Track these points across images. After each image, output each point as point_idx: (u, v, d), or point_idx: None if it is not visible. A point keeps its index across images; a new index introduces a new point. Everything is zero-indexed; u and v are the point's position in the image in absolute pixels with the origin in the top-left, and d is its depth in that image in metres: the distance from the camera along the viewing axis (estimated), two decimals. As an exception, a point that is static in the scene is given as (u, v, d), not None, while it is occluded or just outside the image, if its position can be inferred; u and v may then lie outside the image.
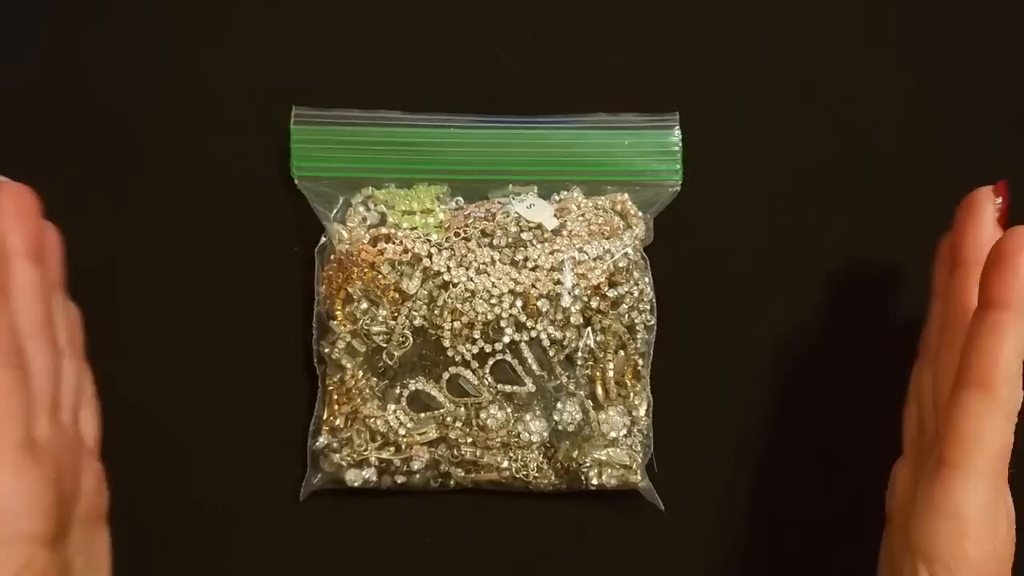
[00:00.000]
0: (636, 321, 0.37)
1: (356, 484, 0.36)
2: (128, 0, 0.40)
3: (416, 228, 0.37)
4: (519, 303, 0.36)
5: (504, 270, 0.36)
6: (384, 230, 0.37)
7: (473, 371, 0.36)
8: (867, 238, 0.40)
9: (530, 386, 0.36)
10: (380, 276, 0.36)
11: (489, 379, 0.36)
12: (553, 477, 0.36)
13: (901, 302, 0.39)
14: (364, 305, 0.36)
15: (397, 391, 0.36)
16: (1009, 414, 0.28)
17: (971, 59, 0.41)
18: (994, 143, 0.40)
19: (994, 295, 0.29)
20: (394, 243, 0.36)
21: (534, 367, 0.36)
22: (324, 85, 0.40)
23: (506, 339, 0.36)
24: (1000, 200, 0.32)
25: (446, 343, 0.36)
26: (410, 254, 0.36)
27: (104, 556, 0.34)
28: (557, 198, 0.38)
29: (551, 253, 0.36)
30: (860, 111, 0.40)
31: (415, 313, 0.36)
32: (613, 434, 0.36)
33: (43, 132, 0.39)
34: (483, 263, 0.36)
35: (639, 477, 0.36)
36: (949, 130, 0.40)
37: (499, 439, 0.36)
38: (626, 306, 0.36)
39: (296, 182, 0.38)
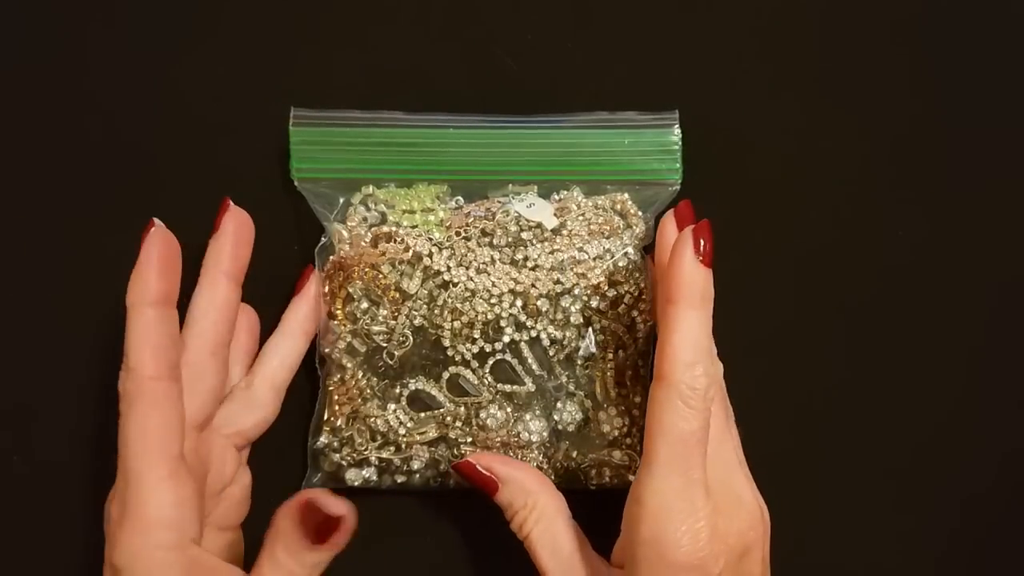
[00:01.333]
0: (636, 321, 0.37)
1: (356, 483, 0.36)
2: (128, 0, 0.40)
3: (417, 226, 0.37)
4: (519, 303, 0.36)
5: (504, 270, 0.36)
6: (385, 228, 0.37)
7: (473, 371, 0.36)
8: (868, 238, 0.39)
9: (530, 386, 0.36)
10: (381, 276, 0.36)
11: (489, 379, 0.36)
12: (552, 477, 0.36)
13: (902, 302, 0.39)
14: (365, 305, 0.36)
15: (397, 391, 0.36)
16: (688, 399, 0.29)
17: (972, 59, 0.40)
18: (995, 143, 0.40)
19: (664, 291, 0.31)
20: (395, 241, 0.36)
21: (534, 367, 0.36)
22: (323, 86, 0.40)
23: (506, 339, 0.36)
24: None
25: (446, 343, 0.36)
26: (411, 252, 0.36)
27: (239, 559, 0.36)
28: (557, 197, 0.38)
29: (551, 253, 0.36)
30: (861, 111, 0.40)
31: (415, 313, 0.36)
32: (613, 434, 0.36)
33: (43, 132, 0.40)
34: (483, 263, 0.36)
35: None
36: (950, 130, 0.40)
37: (499, 439, 0.36)
38: (626, 306, 0.36)
39: (296, 183, 0.38)
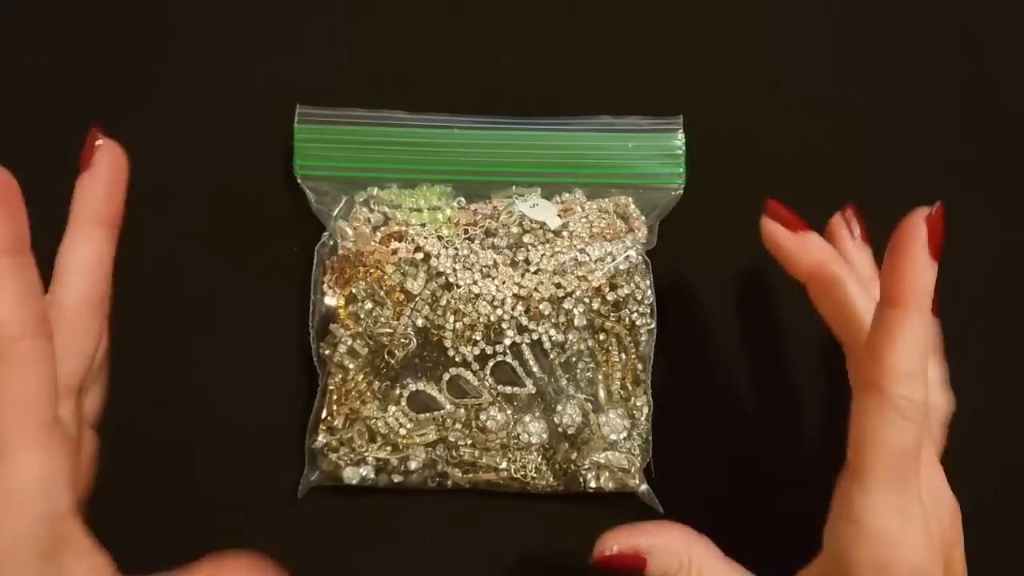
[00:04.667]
0: (637, 324, 0.37)
1: (354, 482, 0.36)
2: (132, -3, 0.40)
3: (425, 225, 0.37)
4: (520, 307, 0.36)
5: (507, 273, 0.36)
6: (396, 227, 0.37)
7: (474, 372, 0.36)
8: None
9: (530, 388, 0.36)
10: (386, 276, 0.36)
11: (489, 380, 0.36)
12: (551, 479, 0.36)
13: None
14: (368, 305, 0.36)
15: (397, 392, 0.36)
16: (906, 412, 0.27)
17: (972, 60, 0.41)
18: (995, 143, 0.40)
19: (886, 291, 0.28)
20: (407, 241, 0.36)
21: (535, 369, 0.36)
22: (327, 84, 0.40)
23: (507, 341, 0.36)
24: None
25: (447, 344, 0.36)
26: (422, 252, 0.36)
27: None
28: (560, 200, 0.38)
29: (552, 255, 0.36)
30: (863, 115, 0.40)
31: (417, 313, 0.36)
32: (613, 437, 0.36)
33: (44, 132, 0.39)
34: (486, 265, 0.36)
35: (637, 481, 0.36)
36: (951, 131, 0.40)
37: (498, 440, 0.36)
38: (627, 309, 0.36)
39: (299, 181, 0.38)
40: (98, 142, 0.30)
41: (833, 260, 0.32)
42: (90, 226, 0.30)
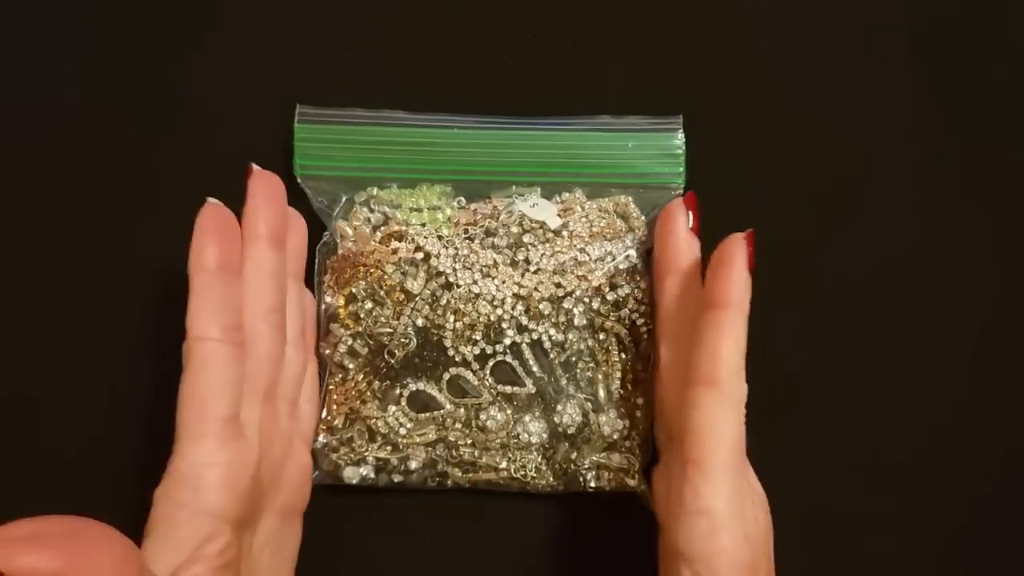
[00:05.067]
0: (637, 324, 0.37)
1: (354, 482, 0.36)
2: (132, -4, 0.40)
3: (425, 225, 0.37)
4: (520, 306, 0.36)
5: (507, 272, 0.36)
6: (396, 227, 0.37)
7: (474, 372, 0.36)
8: (869, 241, 0.39)
9: (530, 387, 0.36)
10: (386, 276, 0.36)
11: (489, 380, 0.36)
12: (551, 478, 0.36)
13: (902, 301, 0.39)
14: (368, 305, 0.36)
15: (397, 392, 0.36)
16: (737, 405, 0.30)
17: (973, 59, 0.41)
18: (995, 143, 0.40)
19: (715, 295, 0.31)
20: (407, 240, 0.36)
21: (535, 368, 0.36)
22: (327, 84, 0.40)
23: (507, 340, 0.36)
24: (691, 212, 0.35)
25: (447, 343, 0.36)
26: (422, 252, 0.36)
27: (293, 551, 0.35)
28: (560, 199, 0.38)
29: (552, 255, 0.36)
30: (864, 114, 0.40)
31: (417, 313, 0.36)
32: (613, 436, 0.36)
33: (45, 131, 0.39)
34: (486, 264, 0.36)
35: (637, 481, 0.36)
36: (950, 130, 0.40)
37: (498, 440, 0.36)
38: (627, 308, 0.36)
39: (299, 180, 0.38)
40: (252, 171, 0.34)
41: (697, 274, 0.35)
42: (254, 241, 0.33)
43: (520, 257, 0.36)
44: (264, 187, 0.33)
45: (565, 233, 0.37)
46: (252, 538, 0.31)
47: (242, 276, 0.32)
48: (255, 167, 0.34)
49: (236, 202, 0.39)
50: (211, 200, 0.31)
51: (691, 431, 0.30)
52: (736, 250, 0.31)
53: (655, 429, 0.36)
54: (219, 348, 0.30)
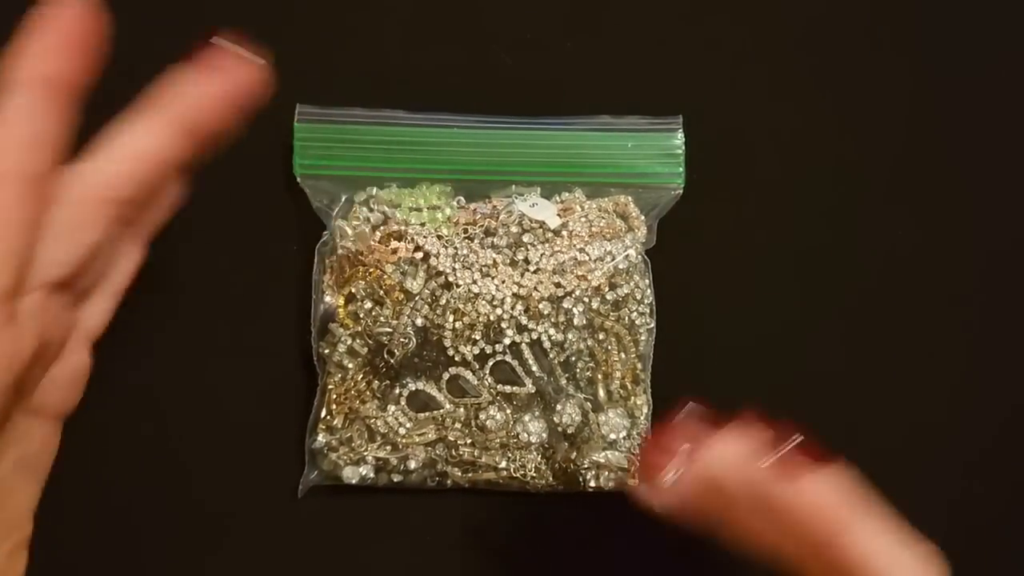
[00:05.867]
0: (636, 323, 0.37)
1: (353, 482, 0.36)
2: (132, -4, 0.40)
3: (425, 224, 0.37)
4: (520, 306, 0.36)
5: (507, 272, 0.36)
6: (395, 227, 0.37)
7: (473, 372, 0.36)
8: (870, 240, 0.39)
9: (530, 387, 0.36)
10: (385, 275, 0.36)
11: (489, 380, 0.36)
12: (551, 478, 0.36)
13: (902, 301, 0.39)
14: (368, 305, 0.36)
15: (397, 392, 0.36)
16: None
17: (973, 59, 0.41)
18: (995, 143, 0.40)
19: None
20: (406, 240, 0.36)
21: (534, 368, 0.36)
22: (327, 84, 0.40)
23: (507, 340, 0.36)
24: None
25: (447, 343, 0.36)
26: (421, 251, 0.36)
27: (44, 464, 0.28)
28: (559, 199, 0.38)
29: (552, 255, 0.36)
30: (863, 114, 0.40)
31: (417, 312, 0.36)
32: (612, 436, 0.36)
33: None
34: (485, 264, 0.36)
35: (636, 480, 0.36)
36: (949, 131, 0.40)
37: (498, 440, 0.36)
38: (627, 308, 0.36)
39: (298, 180, 0.38)
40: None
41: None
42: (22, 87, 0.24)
43: (520, 257, 0.36)
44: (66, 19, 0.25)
45: (565, 233, 0.37)
46: None
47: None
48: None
49: (236, 203, 0.39)
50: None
51: None
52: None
53: None
54: (22, 205, 0.23)
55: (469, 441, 0.36)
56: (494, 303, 0.36)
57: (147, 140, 0.26)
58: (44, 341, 0.25)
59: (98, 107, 0.26)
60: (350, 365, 0.36)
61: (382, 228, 0.37)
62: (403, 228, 0.37)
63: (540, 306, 0.36)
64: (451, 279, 0.36)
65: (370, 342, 0.36)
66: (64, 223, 0.25)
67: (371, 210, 0.37)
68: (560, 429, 0.36)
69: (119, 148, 0.25)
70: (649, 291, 0.37)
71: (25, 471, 0.28)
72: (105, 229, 0.25)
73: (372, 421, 0.36)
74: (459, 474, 0.36)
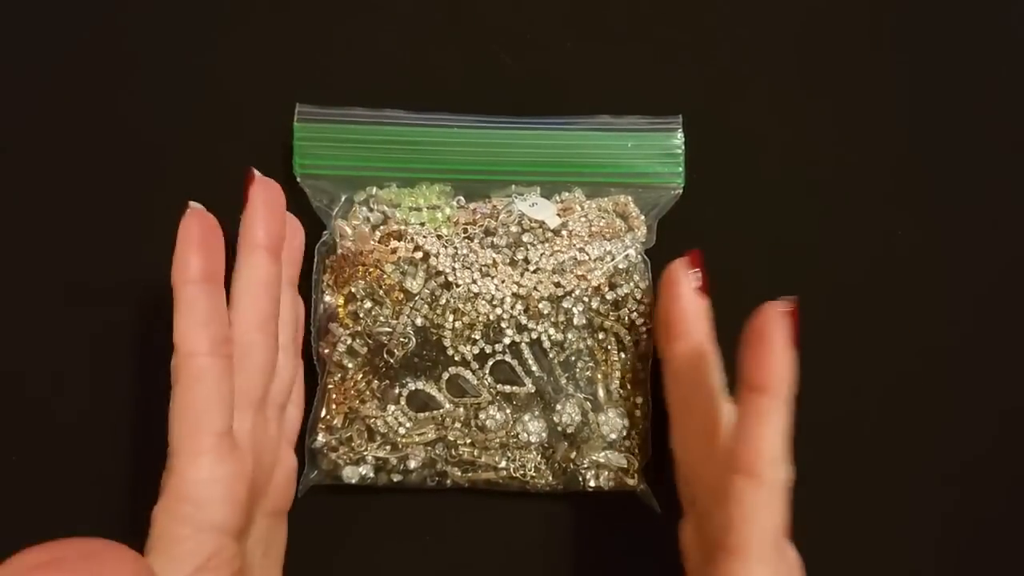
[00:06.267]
0: (636, 323, 0.37)
1: (353, 481, 0.36)
2: (132, -4, 0.40)
3: (425, 224, 0.37)
4: (520, 306, 0.36)
5: (507, 271, 0.36)
6: (395, 227, 0.37)
7: (473, 371, 0.36)
8: (869, 240, 0.39)
9: (530, 387, 0.36)
10: (385, 276, 0.36)
11: (489, 379, 0.36)
12: (551, 478, 0.36)
13: (904, 304, 0.39)
14: (368, 304, 0.36)
15: (396, 391, 0.36)
16: (778, 494, 0.28)
17: (972, 59, 0.41)
18: (995, 143, 0.40)
19: (752, 376, 0.28)
20: (406, 240, 0.36)
21: (534, 368, 0.36)
22: (327, 84, 0.40)
23: (507, 340, 0.36)
24: (697, 270, 0.34)
25: (447, 343, 0.36)
26: (421, 251, 0.36)
27: (281, 550, 0.35)
28: (559, 199, 0.38)
29: (552, 254, 0.36)
30: (863, 113, 0.40)
31: (416, 312, 0.36)
32: (612, 436, 0.36)
33: (46, 130, 0.40)
34: (485, 264, 0.36)
35: (636, 480, 0.36)
36: (950, 131, 0.40)
37: (498, 440, 0.36)
38: (626, 308, 0.36)
39: (298, 179, 0.38)
40: (254, 178, 0.33)
41: (709, 338, 0.33)
42: (252, 250, 0.33)
43: (519, 256, 0.36)
44: (264, 195, 0.33)
45: (564, 232, 0.37)
46: (246, 542, 0.32)
47: (238, 285, 0.32)
48: (256, 173, 0.33)
49: (235, 203, 0.39)
50: (194, 205, 0.31)
51: (729, 520, 0.28)
52: (774, 327, 0.29)
53: (677, 483, 0.34)
54: (210, 363, 0.29)
55: (469, 441, 0.36)
56: (494, 303, 0.36)
57: (248, 271, 0.33)
58: (258, 455, 0.32)
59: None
60: (350, 365, 0.36)
61: (382, 228, 0.37)
62: (403, 228, 0.37)
63: (540, 306, 0.36)
64: (451, 279, 0.36)
65: (370, 342, 0.36)
66: (242, 358, 0.31)
67: (371, 210, 0.37)
68: (560, 429, 0.36)
69: (243, 281, 0.33)
70: (649, 291, 0.37)
71: (270, 557, 0.34)
72: (271, 347, 0.32)
73: (372, 421, 0.36)
74: (459, 474, 0.36)
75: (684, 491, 0.34)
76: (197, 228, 0.31)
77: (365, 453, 0.36)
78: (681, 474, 0.34)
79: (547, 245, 0.37)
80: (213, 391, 0.29)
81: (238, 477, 0.29)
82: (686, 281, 0.34)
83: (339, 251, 0.37)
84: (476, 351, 0.36)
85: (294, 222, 0.36)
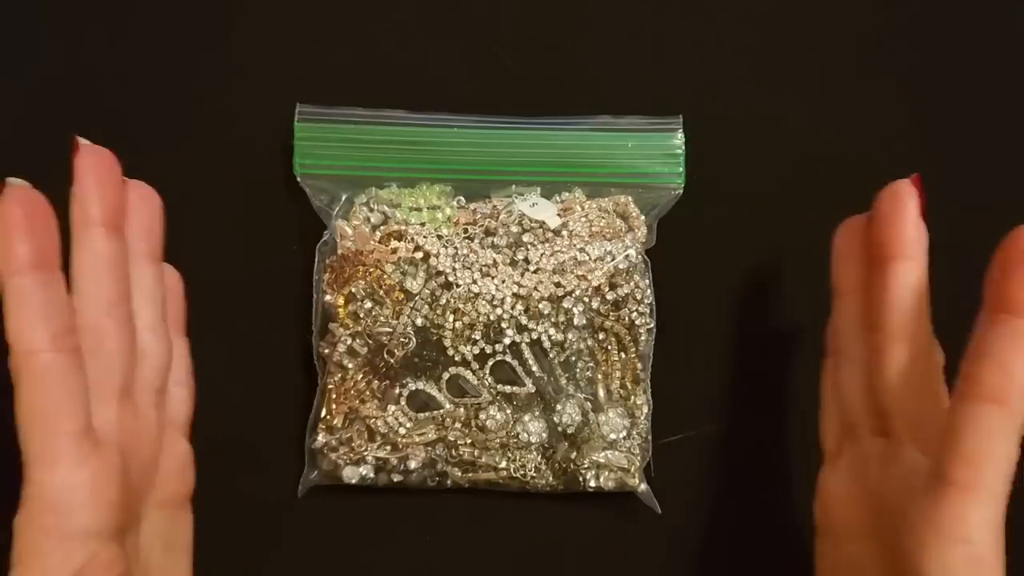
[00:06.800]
0: (636, 323, 0.37)
1: (353, 481, 0.36)
2: (132, -5, 0.40)
3: (425, 224, 0.37)
4: (520, 306, 0.36)
5: (507, 272, 0.36)
6: (395, 227, 0.37)
7: (473, 372, 0.36)
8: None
9: (530, 387, 0.36)
10: (385, 276, 0.36)
11: (489, 380, 0.36)
12: (551, 478, 0.36)
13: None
14: (368, 305, 0.36)
15: (397, 391, 0.36)
16: (1020, 429, 0.26)
17: (972, 59, 0.41)
18: (994, 143, 0.40)
19: (1010, 299, 0.26)
20: (406, 240, 0.36)
21: (534, 368, 0.36)
22: (327, 84, 0.40)
23: (507, 340, 0.36)
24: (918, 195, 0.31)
25: (447, 343, 0.36)
26: (421, 251, 0.36)
27: (186, 541, 0.33)
28: (560, 199, 0.38)
29: (552, 254, 0.36)
30: (862, 114, 0.40)
31: (417, 312, 0.36)
32: (612, 436, 0.36)
33: (46, 130, 0.39)
34: (485, 264, 0.36)
35: (636, 480, 0.36)
36: (950, 131, 0.40)
37: (498, 440, 0.36)
38: (626, 308, 0.36)
39: (298, 179, 0.38)
40: (79, 147, 0.29)
41: (926, 264, 0.31)
42: (88, 228, 0.29)
43: (520, 257, 0.36)
44: (94, 165, 0.29)
45: (565, 233, 0.37)
46: (136, 539, 0.30)
47: (77, 269, 0.29)
48: (83, 141, 0.29)
49: (236, 203, 0.39)
50: (12, 182, 0.26)
51: (962, 450, 0.26)
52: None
53: (821, 420, 0.33)
54: (53, 358, 0.26)
55: (469, 441, 0.36)
56: (494, 303, 0.36)
57: (86, 252, 0.29)
58: (133, 447, 0.29)
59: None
60: (350, 365, 0.36)
61: (382, 228, 0.37)
62: (403, 228, 0.37)
63: (540, 306, 0.36)
64: (451, 279, 0.36)
65: (370, 342, 0.36)
66: (94, 347, 0.29)
67: (371, 210, 0.37)
68: (560, 429, 0.36)
69: (78, 269, 0.29)
70: (649, 291, 0.37)
71: (173, 551, 0.32)
72: (118, 333, 0.29)
73: (372, 421, 0.36)
74: (459, 474, 0.36)
75: (830, 427, 0.32)
76: (19, 210, 0.26)
77: (365, 453, 0.36)
78: (832, 409, 0.32)
79: (547, 245, 0.37)
80: (61, 389, 0.26)
81: (104, 476, 0.27)
82: (913, 202, 0.31)
83: (339, 251, 0.37)
84: (476, 351, 0.36)
85: (143, 188, 0.32)
